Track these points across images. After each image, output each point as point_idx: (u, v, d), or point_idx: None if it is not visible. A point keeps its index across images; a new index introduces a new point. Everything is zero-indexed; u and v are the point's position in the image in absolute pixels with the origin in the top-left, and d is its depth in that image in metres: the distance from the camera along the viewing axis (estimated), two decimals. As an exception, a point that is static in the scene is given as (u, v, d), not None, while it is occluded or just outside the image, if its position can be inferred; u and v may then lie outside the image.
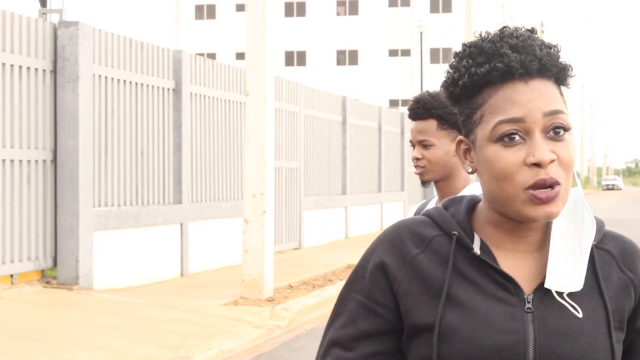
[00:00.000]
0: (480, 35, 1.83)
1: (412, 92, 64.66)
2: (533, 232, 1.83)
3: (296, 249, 19.63)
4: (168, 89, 14.40)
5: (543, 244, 1.84)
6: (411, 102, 3.90)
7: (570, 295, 1.80)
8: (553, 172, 1.73)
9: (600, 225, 1.87)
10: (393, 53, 69.84)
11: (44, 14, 20.45)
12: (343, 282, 14.20)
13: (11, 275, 11.32)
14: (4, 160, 11.18)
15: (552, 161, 1.73)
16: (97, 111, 12.53)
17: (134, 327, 10.06)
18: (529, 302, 1.78)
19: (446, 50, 67.92)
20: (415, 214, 3.96)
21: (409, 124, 4.32)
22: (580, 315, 1.78)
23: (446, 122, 3.79)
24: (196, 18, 72.09)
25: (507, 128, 1.75)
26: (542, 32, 67.71)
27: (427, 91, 3.92)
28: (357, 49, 69.98)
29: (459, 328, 1.77)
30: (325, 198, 21.51)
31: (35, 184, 11.66)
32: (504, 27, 1.83)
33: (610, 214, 37.74)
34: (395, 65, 69.57)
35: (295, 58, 70.70)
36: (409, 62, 69.04)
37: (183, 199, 14.56)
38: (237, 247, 15.59)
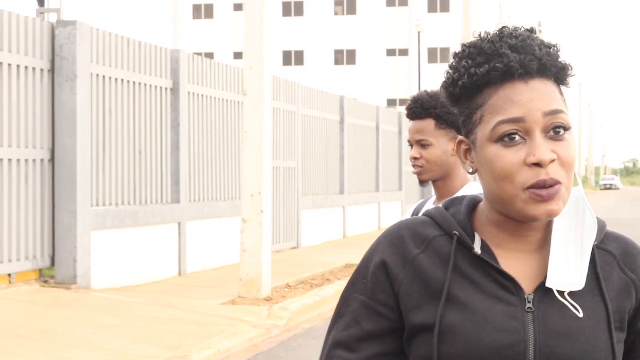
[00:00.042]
0: (480, 35, 1.83)
1: (410, 92, 64.65)
2: (534, 231, 1.83)
3: (294, 248, 19.63)
4: (166, 89, 14.40)
5: (544, 244, 1.84)
6: (409, 102, 3.90)
7: (571, 295, 1.80)
8: (554, 172, 1.73)
9: (601, 225, 1.87)
10: (391, 53, 69.83)
11: (41, 13, 20.43)
12: (341, 282, 14.25)
13: (9, 275, 11.32)
14: (1, 160, 11.18)
15: (553, 161, 1.73)
16: (95, 110, 12.53)
17: (132, 327, 10.05)
18: (529, 302, 1.78)
19: (444, 50, 67.93)
20: (413, 214, 3.97)
21: (407, 123, 4.32)
22: (581, 315, 1.78)
23: (444, 121, 3.79)
24: (194, 18, 72.07)
25: (507, 128, 1.75)
26: (540, 31, 67.72)
27: (425, 91, 3.92)
28: (355, 48, 69.97)
29: (459, 328, 1.77)
30: (323, 198, 21.51)
31: (33, 184, 11.65)
32: (504, 27, 1.83)
33: (608, 214, 37.74)
34: (393, 65, 69.57)
35: (293, 58, 70.69)
36: (407, 62, 69.04)
37: (181, 199, 14.56)
38: (235, 246, 15.59)
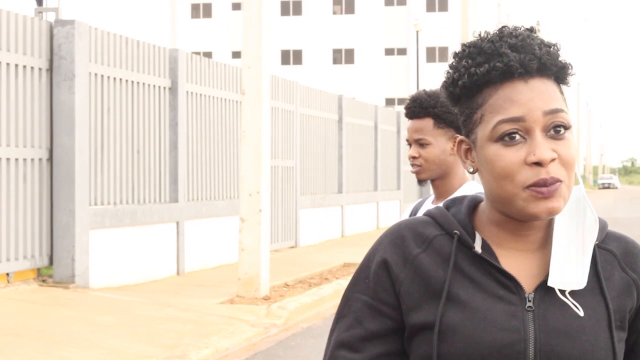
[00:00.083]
0: (480, 35, 1.83)
1: (408, 91, 64.66)
2: (535, 231, 1.83)
3: (292, 247, 19.63)
4: (164, 88, 14.39)
5: (545, 243, 1.84)
6: (408, 101, 3.90)
7: (571, 294, 1.80)
8: (554, 171, 1.73)
9: (603, 225, 1.87)
10: (389, 52, 69.83)
11: (40, 12, 20.41)
12: (339, 281, 14.25)
13: (7, 274, 11.32)
14: None
15: (553, 160, 1.73)
16: (93, 110, 12.53)
17: (130, 326, 10.05)
18: (529, 301, 1.78)
19: (442, 49, 67.93)
20: (411, 213, 3.97)
21: (405, 122, 4.33)
22: (581, 313, 1.78)
23: (443, 120, 3.79)
24: (192, 17, 72.05)
25: (507, 127, 1.75)
26: (538, 31, 67.37)
27: (424, 90, 3.92)
28: (353, 47, 69.97)
29: (459, 326, 1.77)
30: (322, 197, 21.51)
31: (31, 183, 11.65)
32: (503, 26, 1.83)
33: (606, 213, 37.75)
34: (391, 64, 69.57)
35: (291, 57, 70.68)
36: (405, 61, 69.04)
37: (179, 198, 14.56)
38: (233, 245, 15.59)
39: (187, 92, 14.97)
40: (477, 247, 1.82)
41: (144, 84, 13.79)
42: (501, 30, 1.82)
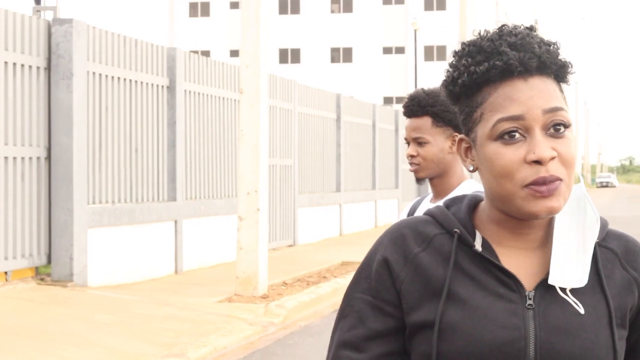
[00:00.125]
0: (479, 33, 1.83)
1: (406, 90, 64.69)
2: (535, 229, 1.83)
3: (290, 246, 19.63)
4: (162, 87, 14.39)
5: (545, 242, 1.84)
6: (406, 100, 3.90)
7: (572, 292, 1.80)
8: (554, 169, 1.73)
9: (603, 223, 1.87)
10: (387, 51, 69.85)
11: (38, 11, 20.41)
12: (337, 279, 14.25)
13: (5, 273, 11.32)
14: (-2, 157, 11.18)
15: (553, 158, 1.73)
16: (91, 108, 12.52)
17: (128, 324, 10.05)
18: (530, 299, 1.78)
19: (440, 48, 67.95)
20: (409, 212, 3.97)
21: (404, 121, 4.33)
22: (582, 311, 1.78)
23: (441, 119, 3.80)
24: (190, 15, 72.04)
25: (507, 126, 1.75)
26: (537, 29, 67.76)
27: (422, 89, 3.92)
28: (351, 46, 69.98)
29: (459, 325, 1.77)
30: (320, 195, 21.51)
31: (30, 181, 11.64)
32: (503, 25, 1.84)
33: (604, 212, 37.76)
34: (389, 62, 69.59)
35: (289, 55, 70.68)
36: (403, 60, 69.05)
37: (177, 196, 14.56)
38: (231, 244, 15.59)
39: (185, 90, 14.97)
40: (478, 246, 1.82)
41: (142, 82, 13.78)
42: (501, 28, 1.82)
